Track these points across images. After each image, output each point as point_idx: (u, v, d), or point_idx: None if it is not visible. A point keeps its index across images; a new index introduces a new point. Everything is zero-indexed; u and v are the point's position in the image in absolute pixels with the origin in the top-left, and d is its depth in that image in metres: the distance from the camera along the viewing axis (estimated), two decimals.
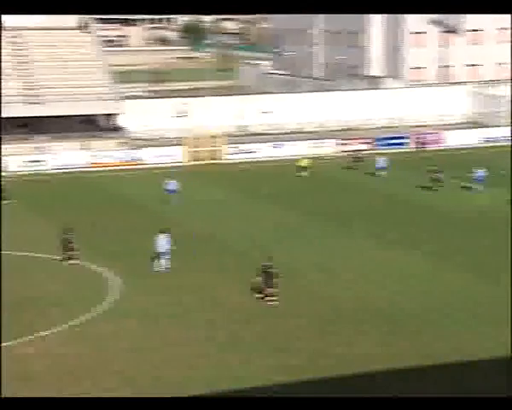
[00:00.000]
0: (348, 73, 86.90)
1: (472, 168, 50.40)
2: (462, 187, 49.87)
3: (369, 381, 24.21)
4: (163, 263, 34.49)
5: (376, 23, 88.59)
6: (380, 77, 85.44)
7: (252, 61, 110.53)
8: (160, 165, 58.49)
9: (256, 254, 35.93)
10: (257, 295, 30.95)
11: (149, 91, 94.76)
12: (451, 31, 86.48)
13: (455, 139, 66.56)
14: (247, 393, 22.94)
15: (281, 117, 72.50)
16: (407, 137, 66.33)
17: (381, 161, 54.15)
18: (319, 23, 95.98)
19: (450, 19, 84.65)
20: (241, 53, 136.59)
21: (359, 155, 57.39)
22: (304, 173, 54.14)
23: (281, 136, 68.34)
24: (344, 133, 68.91)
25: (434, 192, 48.46)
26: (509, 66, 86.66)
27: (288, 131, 71.21)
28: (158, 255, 34.51)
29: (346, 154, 59.73)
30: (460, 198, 47.84)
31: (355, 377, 24.50)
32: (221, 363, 25.55)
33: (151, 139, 65.44)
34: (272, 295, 30.45)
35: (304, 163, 54.71)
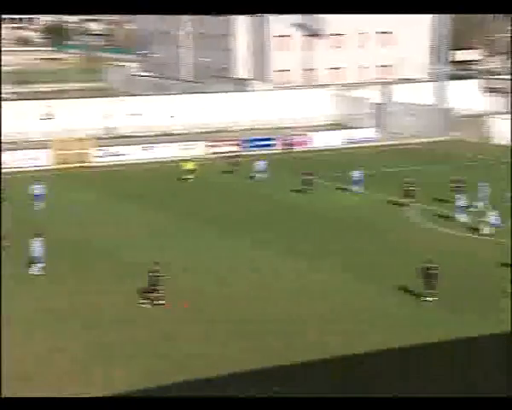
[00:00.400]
0: (216, 75, 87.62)
1: (348, 169, 51.50)
2: (337, 188, 50.78)
3: (229, 382, 24.68)
4: (36, 268, 34.13)
5: (242, 26, 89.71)
6: (246, 79, 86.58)
7: (119, 63, 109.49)
8: (24, 168, 57.16)
9: (128, 257, 35.87)
10: (142, 301, 31.10)
11: (12, 93, 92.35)
12: (314, 34, 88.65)
13: (320, 140, 68.27)
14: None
15: (149, 119, 72.42)
16: (274, 139, 67.58)
17: (261, 164, 54.68)
18: (186, 25, 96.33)
19: (313, 22, 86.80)
20: (108, 55, 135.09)
21: (237, 159, 57.33)
22: (189, 176, 54.05)
23: (150, 138, 68.23)
24: (212, 135, 69.48)
25: (309, 194, 48.89)
26: (370, 69, 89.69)
27: (158, 133, 71.19)
28: (33, 260, 34.16)
29: (225, 157, 59.72)
30: (333, 199, 48.71)
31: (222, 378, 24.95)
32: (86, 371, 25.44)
33: (15, 142, 63.85)
34: (158, 299, 30.68)
35: (189, 166, 54.58)
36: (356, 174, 50.16)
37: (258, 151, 63.86)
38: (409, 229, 42.15)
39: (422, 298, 31.22)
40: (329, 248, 38.68)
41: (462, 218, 42.47)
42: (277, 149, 66.12)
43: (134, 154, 62.37)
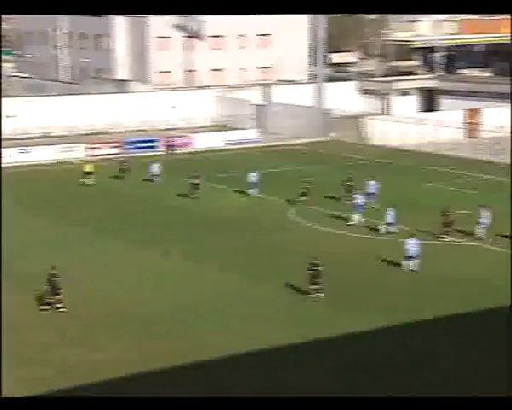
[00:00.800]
0: (95, 76, 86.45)
1: (233, 170, 51.81)
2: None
3: (121, 385, 24.67)
4: None
5: (121, 26, 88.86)
6: (127, 80, 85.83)
7: None
8: None
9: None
10: (42, 307, 30.51)
11: None
12: (194, 36, 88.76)
13: (202, 142, 68.44)
14: None
15: (26, 121, 70.77)
16: (156, 141, 67.31)
17: (155, 167, 54.11)
18: (63, 25, 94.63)
19: (193, 24, 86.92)
20: None
21: (125, 164, 56.11)
22: (88, 180, 52.92)
23: (27, 141, 66.67)
24: (93, 137, 68.54)
25: (196, 196, 48.48)
26: (251, 70, 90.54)
27: (36, 135, 69.66)
28: None
29: (118, 161, 58.55)
30: (220, 200, 48.78)
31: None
32: None
33: None
34: (60, 302, 30.26)
35: (88, 168, 53.40)
36: (253, 176, 49.88)
37: (140, 153, 63.51)
38: (295, 229, 42.74)
39: (309, 295, 31.80)
40: (214, 249, 38.86)
41: (358, 217, 42.59)
42: (160, 150, 65.89)
43: (10, 157, 60.70)
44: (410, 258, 34.74)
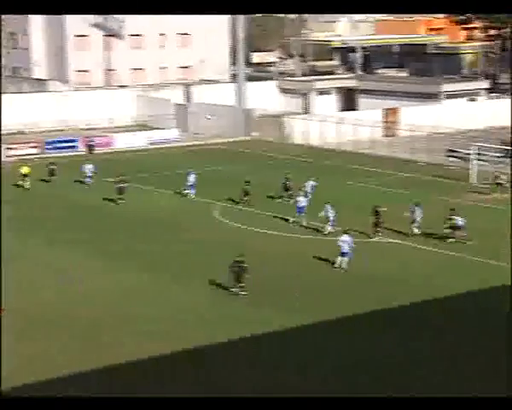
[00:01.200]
0: (11, 75, 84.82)
1: (156, 171, 51.35)
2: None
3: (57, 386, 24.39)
4: None
5: (38, 25, 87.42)
6: (45, 80, 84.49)
7: None
8: None
9: None
10: None
11: None
12: (114, 35, 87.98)
13: (123, 142, 67.87)
14: None
15: None
16: (76, 140, 66.47)
17: (87, 168, 53.15)
18: None
19: (112, 23, 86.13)
20: None
21: (53, 165, 54.84)
22: (25, 182, 51.59)
23: None
24: (9, 137, 67.19)
25: (122, 200, 47.63)
26: (171, 70, 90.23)
27: None
28: None
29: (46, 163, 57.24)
30: (143, 201, 48.31)
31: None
32: None
33: None
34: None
35: (25, 170, 52.03)
36: (191, 177, 49.14)
37: (60, 153, 62.65)
38: (222, 229, 42.73)
39: (233, 293, 31.93)
40: (137, 250, 38.62)
41: (299, 218, 42.43)
42: (80, 150, 65.10)
43: None
44: (344, 254, 34.99)
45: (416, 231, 40.20)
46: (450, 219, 39.23)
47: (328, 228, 40.18)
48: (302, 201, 42.61)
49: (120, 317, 30.13)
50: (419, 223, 40.46)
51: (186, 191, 49.01)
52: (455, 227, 39.08)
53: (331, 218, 40.15)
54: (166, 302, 31.77)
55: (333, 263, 35.47)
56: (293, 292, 32.59)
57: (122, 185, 47.85)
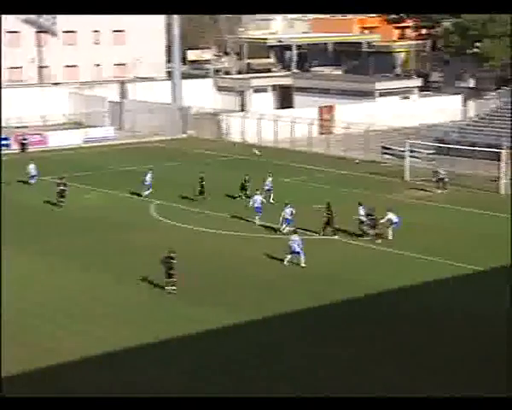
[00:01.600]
0: None
1: (92, 169, 50.57)
2: (78, 188, 49.54)
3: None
4: None
5: None
6: None
7: None
8: None
9: None
10: None
11: None
12: (46, 31, 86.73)
13: (57, 140, 66.97)
14: None
15: None
16: (9, 139, 65.37)
17: (32, 169, 52.11)
18: None
19: (45, 19, 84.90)
20: None
21: None
22: None
23: None
24: None
25: (62, 203, 46.55)
26: (106, 67, 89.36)
27: None
28: None
29: None
30: (79, 200, 47.66)
31: None
32: None
33: None
34: None
35: None
36: (148, 177, 48.31)
37: None
38: (157, 227, 42.50)
39: (166, 290, 31.80)
40: (71, 249, 38.19)
41: (256, 216, 42.08)
42: (13, 149, 64.03)
43: None
44: (295, 254, 35.08)
45: (365, 229, 39.47)
46: (369, 214, 39.22)
47: (286, 227, 39.86)
48: (258, 200, 42.32)
49: (52, 318, 29.70)
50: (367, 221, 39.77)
51: (145, 192, 47.94)
52: (369, 223, 39.03)
53: (287, 217, 39.94)
54: (96, 301, 31.38)
55: (282, 260, 35.50)
56: (226, 289, 32.57)
57: (63, 188, 46.80)
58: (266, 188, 46.47)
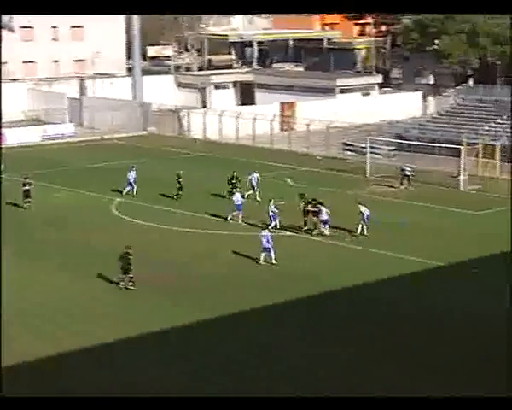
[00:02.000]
0: None
1: (55, 167, 49.94)
2: (39, 186, 48.20)
3: None
4: None
5: None
6: None
7: None
8: None
9: None
10: None
11: None
12: (3, 27, 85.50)
13: (15, 137, 66.05)
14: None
15: None
16: None
17: None
18: None
19: (1, 15, 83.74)
20: None
21: None
22: None
23: None
24: None
25: (28, 203, 45.35)
26: (65, 63, 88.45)
27: None
28: None
29: None
30: (41, 198, 46.62)
31: None
32: None
33: None
34: None
35: None
36: (131, 175, 47.39)
37: None
38: (119, 225, 42.10)
39: (121, 285, 31.60)
40: (36, 248, 37.78)
41: (235, 213, 41.69)
42: None
43: None
44: (265, 250, 34.81)
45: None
46: (314, 204, 39.20)
47: (273, 223, 39.64)
48: (239, 197, 42.05)
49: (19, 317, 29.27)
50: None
51: (127, 189, 47.19)
52: (314, 212, 39.09)
53: (271, 214, 39.64)
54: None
55: (257, 259, 35.19)
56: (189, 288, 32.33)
57: (27, 188, 45.63)
58: (252, 184, 46.21)
